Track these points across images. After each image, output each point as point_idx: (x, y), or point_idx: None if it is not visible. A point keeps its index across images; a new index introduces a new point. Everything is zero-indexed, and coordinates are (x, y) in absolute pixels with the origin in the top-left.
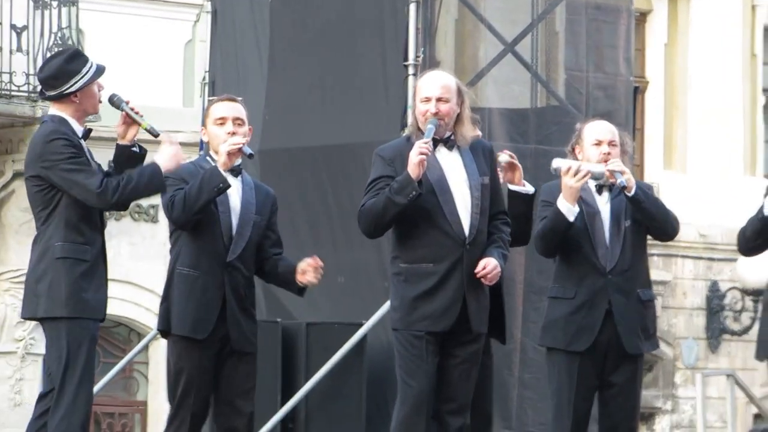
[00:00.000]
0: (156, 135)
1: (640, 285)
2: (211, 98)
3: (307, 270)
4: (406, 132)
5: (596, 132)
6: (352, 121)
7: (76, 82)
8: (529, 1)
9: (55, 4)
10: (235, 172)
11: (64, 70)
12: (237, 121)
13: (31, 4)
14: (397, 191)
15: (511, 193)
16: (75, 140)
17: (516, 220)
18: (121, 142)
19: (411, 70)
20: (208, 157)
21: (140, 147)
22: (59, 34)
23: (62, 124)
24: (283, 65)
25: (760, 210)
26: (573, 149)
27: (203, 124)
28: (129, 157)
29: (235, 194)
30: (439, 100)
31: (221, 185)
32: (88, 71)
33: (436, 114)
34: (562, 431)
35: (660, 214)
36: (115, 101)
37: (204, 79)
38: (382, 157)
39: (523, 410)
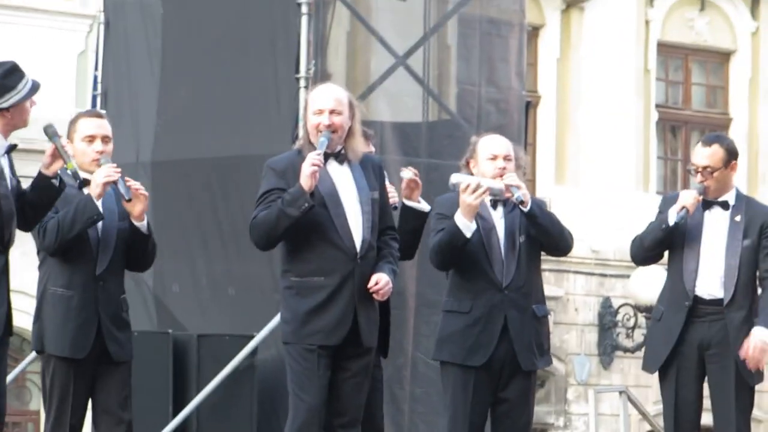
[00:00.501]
0: (77, 179)
1: (535, 301)
2: (79, 112)
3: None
4: (297, 145)
5: (492, 146)
6: (243, 133)
7: (10, 98)
8: (422, 15)
9: None
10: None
11: (0, 84)
12: (105, 139)
13: None
14: (290, 203)
15: (406, 208)
16: None
17: (406, 235)
18: (44, 171)
19: (303, 83)
20: (69, 171)
21: (61, 181)
22: None
23: None
24: (175, 77)
25: (664, 220)
26: (467, 163)
27: (68, 136)
28: (46, 187)
29: None
30: (332, 112)
31: (95, 217)
32: (23, 88)
33: (329, 126)
34: None
35: (555, 229)
36: (49, 133)
37: (96, 89)
38: (274, 170)
39: (414, 424)
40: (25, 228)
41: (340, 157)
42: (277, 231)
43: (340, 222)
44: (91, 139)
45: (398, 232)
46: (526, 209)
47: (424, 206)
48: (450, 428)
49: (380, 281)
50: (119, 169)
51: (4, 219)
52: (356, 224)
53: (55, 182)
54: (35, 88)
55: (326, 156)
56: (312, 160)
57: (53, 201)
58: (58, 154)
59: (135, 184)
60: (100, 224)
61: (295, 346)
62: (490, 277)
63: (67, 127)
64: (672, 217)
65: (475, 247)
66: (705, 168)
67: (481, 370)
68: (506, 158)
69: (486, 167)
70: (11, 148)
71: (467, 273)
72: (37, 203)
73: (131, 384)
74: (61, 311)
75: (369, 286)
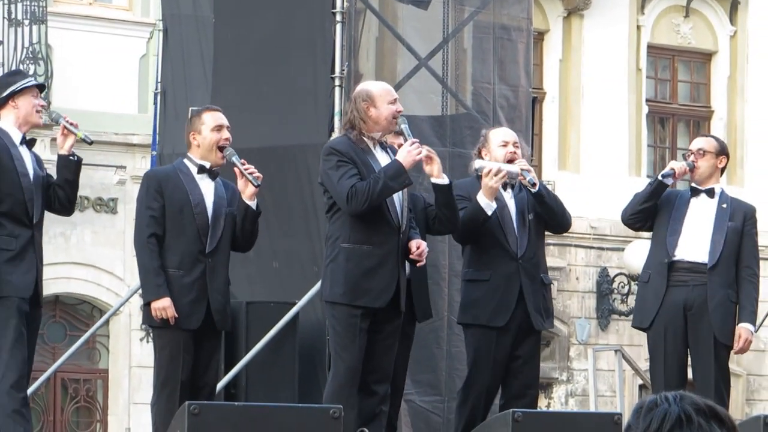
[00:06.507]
0: (90, 143)
1: (542, 270)
2: (192, 108)
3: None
4: (351, 134)
5: (502, 135)
6: (285, 126)
7: (13, 89)
8: (441, 22)
9: (26, 22)
10: (213, 175)
11: (4, 81)
12: (228, 128)
13: (6, 22)
14: (392, 177)
15: (432, 185)
16: None
17: (440, 208)
18: (60, 152)
19: (337, 82)
20: (185, 160)
21: (77, 157)
22: (30, 49)
23: None
24: (225, 77)
25: (655, 178)
26: (479, 151)
27: (194, 128)
28: (67, 164)
29: (209, 194)
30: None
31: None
32: (25, 82)
33: (400, 113)
34: (470, 401)
35: (558, 209)
36: (53, 117)
37: (156, 88)
38: (338, 150)
39: (452, 379)
40: (63, 211)
41: (383, 145)
42: (379, 199)
43: (390, 199)
44: (220, 128)
45: (436, 207)
46: (534, 190)
47: (444, 180)
48: (469, 382)
49: (421, 245)
50: (252, 167)
51: (26, 195)
52: (399, 203)
53: (73, 158)
54: (36, 83)
55: (376, 143)
56: (419, 148)
57: (77, 174)
58: (67, 131)
59: (252, 168)
60: (210, 209)
61: (341, 308)
62: (506, 249)
63: (189, 120)
64: (660, 174)
65: (491, 224)
66: (699, 149)
67: (501, 330)
68: (515, 144)
69: (498, 153)
70: (30, 143)
71: (485, 246)
72: (63, 182)
73: None
74: (174, 290)
75: (411, 251)
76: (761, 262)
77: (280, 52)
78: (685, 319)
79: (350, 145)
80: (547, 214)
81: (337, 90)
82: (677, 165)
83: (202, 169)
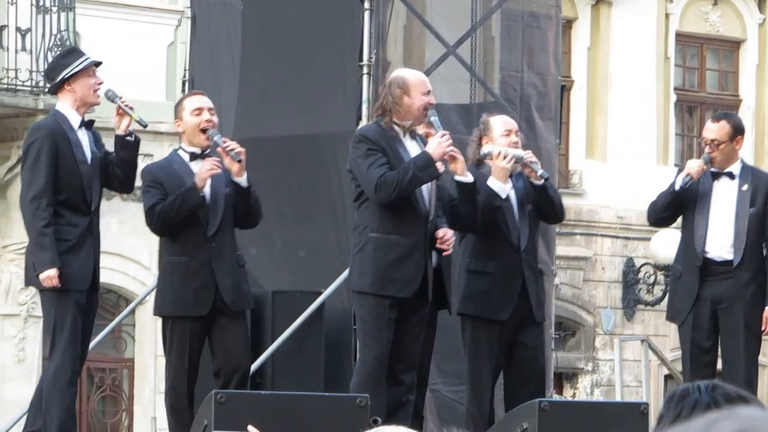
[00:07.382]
0: (144, 126)
1: (539, 261)
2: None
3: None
4: (383, 122)
5: (505, 123)
6: (313, 114)
7: (67, 72)
8: (469, 9)
9: (54, 9)
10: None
11: (59, 63)
12: (210, 111)
13: (34, 9)
14: (421, 169)
15: (456, 182)
16: (51, 139)
17: (462, 205)
18: (117, 132)
19: (365, 70)
20: (179, 151)
21: (135, 136)
22: (58, 36)
23: (55, 117)
24: (253, 64)
25: (672, 185)
26: (480, 138)
27: (177, 116)
28: (124, 144)
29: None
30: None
31: (198, 205)
32: (80, 63)
33: (432, 104)
34: (481, 392)
35: (558, 200)
36: (109, 96)
37: (184, 76)
38: (368, 138)
39: None
40: (122, 189)
41: (413, 134)
42: (407, 190)
43: (419, 190)
44: (199, 111)
45: (459, 204)
46: (540, 183)
47: (468, 178)
48: (472, 376)
49: (447, 233)
50: (233, 143)
51: (84, 183)
52: (427, 193)
53: (130, 138)
54: (93, 62)
55: (406, 131)
56: (448, 141)
57: (135, 154)
58: (122, 112)
59: (233, 145)
60: (208, 192)
61: (369, 298)
62: (509, 241)
63: (174, 110)
64: (678, 183)
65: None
66: (712, 141)
67: (503, 323)
68: (516, 133)
69: (501, 141)
70: (88, 124)
71: (489, 237)
72: (120, 161)
73: None
74: (178, 276)
75: (440, 238)
76: None
77: (307, 40)
78: (714, 313)
79: (381, 132)
80: (547, 205)
81: (365, 78)
82: (694, 168)
83: (194, 156)
